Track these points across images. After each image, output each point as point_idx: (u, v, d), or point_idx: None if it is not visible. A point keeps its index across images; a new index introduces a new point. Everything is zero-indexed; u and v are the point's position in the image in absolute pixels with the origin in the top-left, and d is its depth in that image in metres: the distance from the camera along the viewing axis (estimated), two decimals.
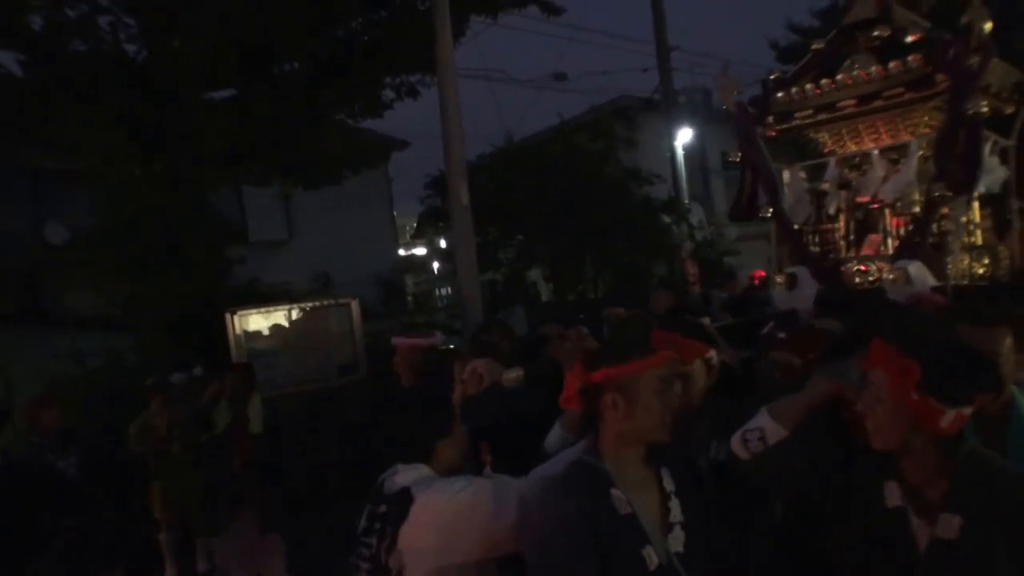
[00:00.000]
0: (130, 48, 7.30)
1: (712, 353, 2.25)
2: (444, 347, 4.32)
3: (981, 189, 4.32)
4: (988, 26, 3.79)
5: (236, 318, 7.03)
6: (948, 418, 1.53)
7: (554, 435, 2.40)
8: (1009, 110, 4.47)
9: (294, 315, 7.49)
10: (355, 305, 7.64)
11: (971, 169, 3.84)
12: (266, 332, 7.28)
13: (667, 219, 11.53)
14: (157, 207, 7.07)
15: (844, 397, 1.80)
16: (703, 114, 15.96)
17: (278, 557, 4.93)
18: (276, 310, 7.40)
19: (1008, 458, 1.84)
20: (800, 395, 1.86)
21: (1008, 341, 2.09)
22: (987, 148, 4.21)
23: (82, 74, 6.68)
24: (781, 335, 2.66)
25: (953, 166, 3.86)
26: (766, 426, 1.82)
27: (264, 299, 7.95)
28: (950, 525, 1.57)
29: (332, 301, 7.88)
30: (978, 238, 4.53)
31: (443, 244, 22.44)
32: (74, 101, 6.68)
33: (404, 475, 2.02)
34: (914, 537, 1.62)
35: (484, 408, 2.82)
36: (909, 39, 4.11)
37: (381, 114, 8.89)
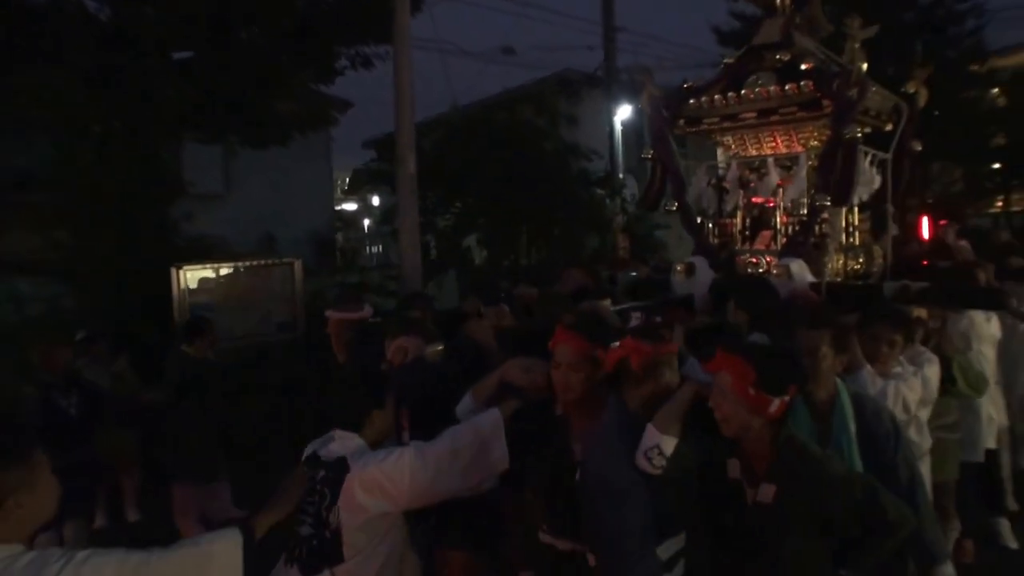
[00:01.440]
0: (91, 5, 7.22)
1: (602, 352, 2.41)
2: (373, 319, 4.50)
3: (863, 197, 4.74)
4: (864, 66, 4.30)
5: (181, 273, 7.14)
6: (775, 405, 1.99)
7: (464, 403, 2.63)
8: (888, 128, 4.98)
9: (238, 272, 7.62)
10: (298, 265, 7.84)
11: (848, 186, 4.28)
12: (209, 288, 7.38)
13: (602, 193, 11.90)
14: (109, 160, 7.06)
15: (704, 396, 2.16)
16: (677, 87, 16.32)
17: (225, 500, 5.24)
18: (221, 267, 7.52)
19: (833, 436, 2.39)
20: (673, 402, 2.21)
21: (828, 340, 2.49)
22: (867, 160, 4.66)
23: (47, 30, 6.58)
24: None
25: (833, 181, 4.31)
26: (659, 442, 2.14)
27: (206, 254, 8.04)
28: (767, 492, 2.02)
29: (276, 260, 8.02)
30: (856, 239, 5.01)
31: (375, 201, 22.22)
32: (37, 57, 6.58)
33: (340, 444, 2.32)
34: (746, 501, 2.07)
35: (408, 380, 3.00)
36: (804, 67, 4.50)
37: (333, 80, 9.02)
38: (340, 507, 2.15)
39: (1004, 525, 4.52)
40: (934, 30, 16.32)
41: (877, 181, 4.80)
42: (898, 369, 3.10)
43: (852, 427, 2.43)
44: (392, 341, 3.27)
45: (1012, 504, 4.68)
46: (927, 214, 7.06)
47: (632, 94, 14.71)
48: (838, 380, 2.52)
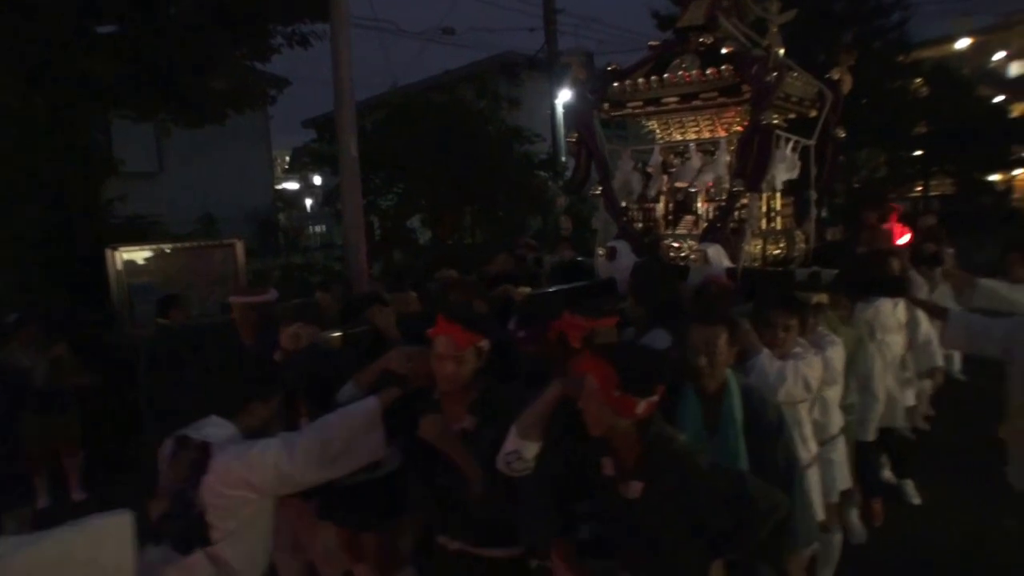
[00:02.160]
0: None
1: (484, 342, 2.37)
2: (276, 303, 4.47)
3: (778, 184, 4.77)
4: (782, 51, 4.27)
5: (116, 254, 6.94)
6: (641, 407, 1.94)
7: (346, 390, 2.58)
8: (812, 114, 4.94)
9: (177, 253, 7.46)
10: (240, 246, 7.71)
11: (760, 171, 4.25)
12: (148, 269, 7.20)
13: (544, 175, 12.06)
14: (32, 138, 6.80)
15: (573, 397, 2.09)
16: (601, 70, 16.50)
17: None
18: (160, 247, 7.36)
19: (721, 426, 2.41)
20: (537, 404, 2.17)
21: (724, 336, 2.45)
22: (789, 146, 4.65)
23: None
24: (521, 334, 2.87)
25: (749, 166, 4.28)
26: (519, 447, 2.14)
27: (142, 235, 7.86)
28: (635, 488, 2.00)
29: (217, 241, 7.90)
30: (778, 224, 4.94)
31: (317, 181, 21.89)
32: None
33: (213, 429, 2.27)
34: (622, 497, 2.04)
35: (299, 367, 2.99)
36: (724, 50, 4.41)
37: (269, 58, 8.75)
38: (203, 492, 2.14)
39: (909, 485, 4.83)
40: (862, 21, 16.99)
41: (797, 168, 4.81)
42: (797, 350, 3.09)
43: (739, 417, 2.43)
44: (286, 328, 3.23)
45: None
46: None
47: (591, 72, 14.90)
48: (728, 371, 2.50)
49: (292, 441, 2.23)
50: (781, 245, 4.86)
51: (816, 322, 3.48)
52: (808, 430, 3.22)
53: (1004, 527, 4.02)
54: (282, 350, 3.17)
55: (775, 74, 4.16)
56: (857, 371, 4.05)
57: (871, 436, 4.32)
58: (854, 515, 4.24)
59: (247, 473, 2.17)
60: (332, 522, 3.23)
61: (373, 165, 9.81)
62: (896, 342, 4.51)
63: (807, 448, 3.14)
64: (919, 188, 20.26)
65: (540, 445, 2.15)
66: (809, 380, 2.99)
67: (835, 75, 4.94)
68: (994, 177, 21.74)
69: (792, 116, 4.95)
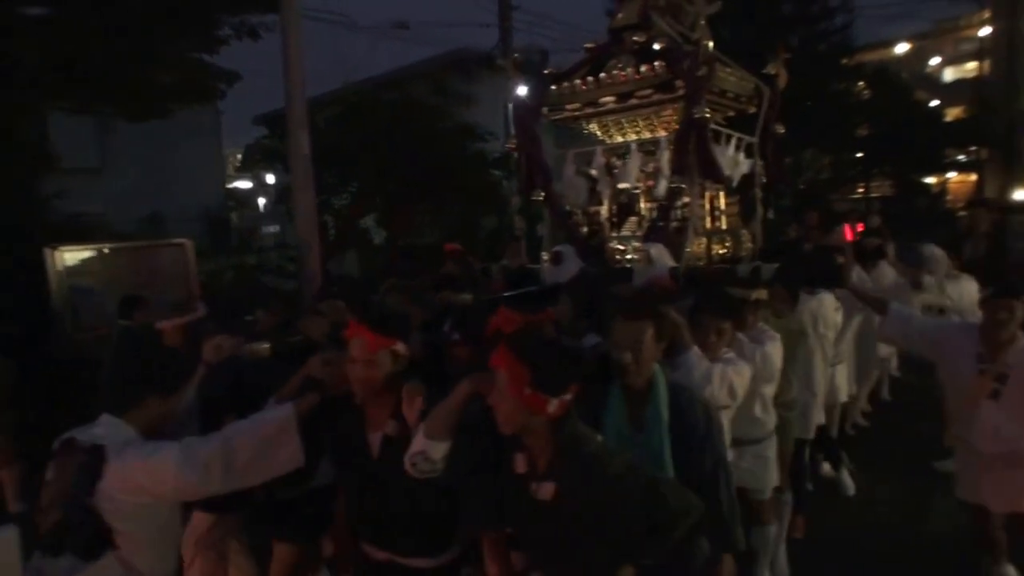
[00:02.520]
0: None
1: (399, 346, 2.32)
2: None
3: (733, 180, 4.77)
4: (711, 44, 4.22)
5: (56, 254, 6.72)
6: (553, 405, 1.90)
7: (270, 406, 2.50)
8: (752, 110, 4.96)
9: (122, 253, 7.27)
10: (189, 246, 7.56)
11: (711, 163, 4.25)
12: (91, 270, 7.00)
13: (499, 174, 12.04)
14: None
15: (483, 395, 2.08)
16: (540, 73, 16.60)
17: None
18: (103, 248, 7.15)
19: (646, 425, 2.35)
20: (445, 403, 2.13)
21: (650, 332, 2.37)
22: (732, 144, 4.64)
23: None
24: (456, 336, 2.87)
25: (694, 162, 4.29)
26: (426, 448, 2.11)
27: (84, 235, 7.60)
28: (547, 490, 1.96)
29: (166, 241, 7.71)
30: (724, 223, 4.93)
31: (270, 179, 21.50)
32: None
33: (104, 430, 2.18)
34: (533, 497, 1.99)
35: (221, 379, 2.93)
36: (657, 47, 4.42)
37: (216, 50, 8.52)
38: (99, 498, 2.06)
39: (845, 476, 4.92)
40: (808, 23, 17.49)
41: (745, 165, 4.81)
42: (729, 355, 3.05)
43: (665, 416, 2.36)
44: (209, 340, 3.16)
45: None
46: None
47: (529, 74, 14.97)
48: (656, 367, 2.44)
49: (194, 448, 2.15)
50: (727, 244, 4.85)
51: (756, 318, 3.50)
52: (727, 438, 3.08)
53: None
54: (204, 363, 3.08)
55: (706, 68, 4.17)
56: (796, 367, 4.04)
57: (811, 433, 4.34)
58: (789, 510, 4.21)
59: (145, 479, 2.09)
60: (257, 532, 3.16)
61: (326, 163, 9.72)
62: (832, 338, 4.55)
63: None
64: (861, 189, 20.93)
65: (448, 445, 2.12)
66: (735, 387, 2.93)
67: (771, 70, 4.94)
68: (930, 179, 22.60)
69: (731, 113, 4.99)
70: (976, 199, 13.03)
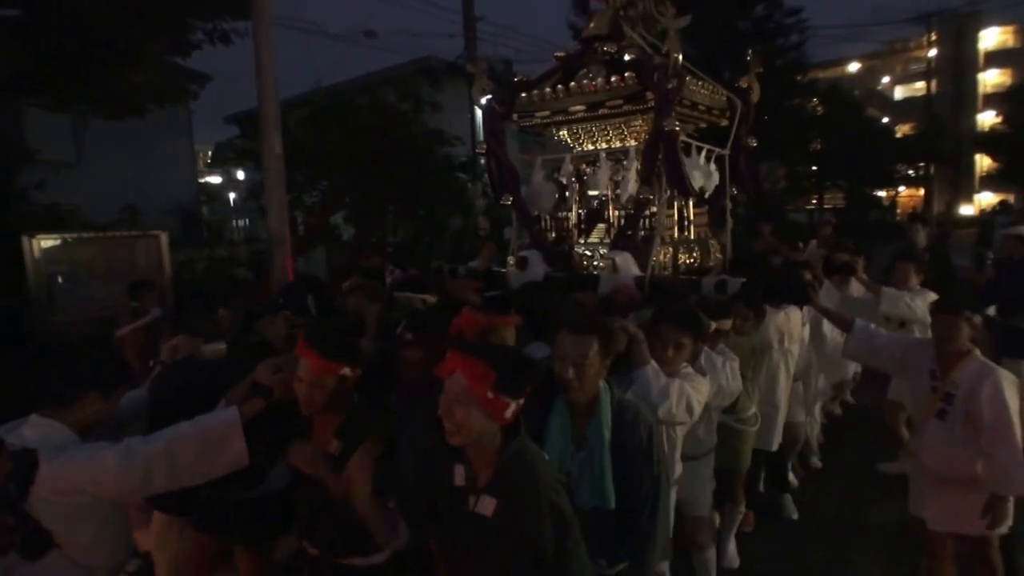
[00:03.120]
0: None
1: (345, 370, 2.25)
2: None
3: (704, 191, 4.69)
4: (680, 56, 4.13)
5: (33, 241, 6.96)
6: (511, 409, 1.86)
7: (220, 407, 2.42)
8: (723, 123, 4.91)
9: (99, 243, 7.52)
10: (164, 238, 7.84)
11: (680, 176, 4.17)
12: (68, 258, 7.23)
13: (464, 177, 12.52)
14: None
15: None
16: (503, 82, 17.02)
17: None
18: (81, 237, 7.41)
19: (589, 441, 2.30)
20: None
21: (595, 348, 2.28)
22: (702, 156, 4.61)
23: None
24: (408, 336, 2.79)
25: (663, 174, 4.24)
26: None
27: (60, 224, 7.85)
28: (487, 504, 1.88)
29: (140, 232, 8.00)
30: (691, 233, 4.87)
31: (240, 175, 21.74)
32: None
33: (33, 430, 2.14)
34: (470, 511, 1.91)
35: (172, 379, 2.86)
36: (627, 58, 4.39)
37: (189, 54, 8.85)
38: (33, 501, 2.03)
39: (788, 500, 4.77)
40: (765, 39, 18.29)
41: (716, 176, 4.77)
42: (687, 369, 2.94)
43: (607, 435, 2.30)
44: (166, 340, 3.14)
45: (793, 480, 5.04)
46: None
47: (493, 82, 15.40)
48: (602, 385, 2.36)
49: (135, 449, 2.10)
50: (695, 254, 4.81)
51: (717, 342, 3.39)
52: (679, 454, 3.08)
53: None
54: (161, 363, 3.07)
55: (676, 80, 4.14)
56: (759, 381, 4.01)
57: (774, 446, 4.30)
58: (731, 536, 4.12)
59: (84, 481, 2.05)
60: (207, 534, 3.01)
61: (297, 163, 10.01)
62: (796, 353, 4.41)
63: (672, 472, 3.00)
64: (814, 200, 21.81)
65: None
66: (693, 404, 2.81)
67: (744, 83, 4.94)
68: (880, 193, 23.63)
69: (703, 125, 5.00)
70: (913, 214, 13.58)
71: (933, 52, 27.01)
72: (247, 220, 21.46)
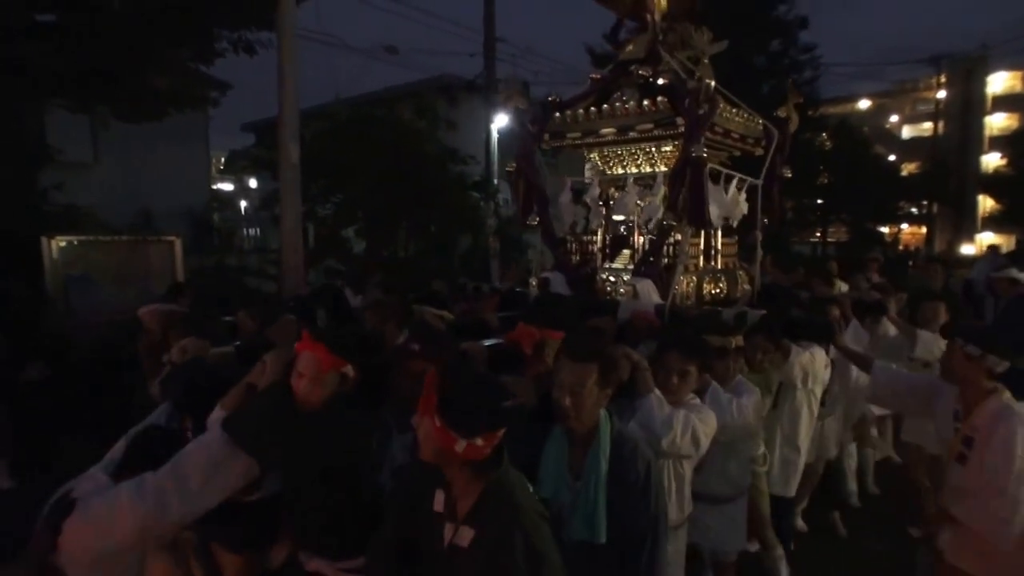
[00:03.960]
0: None
1: (348, 368, 2.30)
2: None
3: (730, 221, 4.66)
4: (712, 83, 4.12)
5: (53, 242, 7.05)
6: (461, 446, 1.74)
7: (215, 414, 2.37)
8: (758, 152, 4.86)
9: (115, 246, 7.62)
10: (178, 244, 7.94)
11: (700, 205, 4.11)
12: (84, 259, 7.30)
13: (477, 196, 12.59)
14: None
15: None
16: (543, 101, 17.16)
17: None
18: (98, 239, 7.51)
19: (587, 469, 2.24)
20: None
21: (594, 376, 2.22)
22: (733, 184, 4.55)
23: None
24: (415, 346, 2.78)
25: (684, 201, 4.17)
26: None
27: (77, 226, 7.94)
28: (464, 535, 1.81)
29: (155, 237, 8.07)
30: (718, 263, 4.79)
31: (253, 184, 21.84)
32: None
33: (90, 482, 2.10)
34: (447, 540, 1.85)
35: (178, 380, 2.87)
36: (661, 82, 4.42)
37: (213, 62, 8.95)
38: (61, 557, 1.95)
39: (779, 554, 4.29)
40: (779, 75, 18.53)
41: (744, 207, 4.68)
42: (694, 400, 2.87)
43: (604, 467, 2.22)
44: (176, 341, 3.20)
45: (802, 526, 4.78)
46: None
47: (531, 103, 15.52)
48: (604, 414, 2.30)
49: (146, 479, 2.06)
50: (721, 285, 4.69)
51: (734, 367, 3.30)
52: (688, 489, 2.96)
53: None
54: (171, 363, 3.11)
55: (707, 106, 4.09)
56: (782, 421, 3.93)
57: (792, 491, 4.12)
58: (784, 566, 4.00)
59: (96, 532, 1.98)
60: (225, 544, 3.10)
61: (312, 174, 10.10)
62: (820, 394, 4.22)
63: (681, 509, 2.91)
64: (818, 234, 21.95)
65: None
66: (699, 435, 2.72)
67: (782, 113, 4.87)
68: (883, 229, 23.79)
69: (737, 154, 4.93)
70: (932, 255, 13.51)
71: (942, 93, 27.30)
72: (258, 229, 21.55)
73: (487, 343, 3.46)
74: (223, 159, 21.68)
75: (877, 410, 5.18)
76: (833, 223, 21.70)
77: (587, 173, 5.17)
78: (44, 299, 6.92)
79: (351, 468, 2.25)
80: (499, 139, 14.35)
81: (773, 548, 3.92)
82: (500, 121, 14.38)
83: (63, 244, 7.16)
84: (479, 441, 1.75)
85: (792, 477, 4.07)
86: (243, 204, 25.46)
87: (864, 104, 28.86)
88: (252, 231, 22.83)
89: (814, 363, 3.98)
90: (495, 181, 13.59)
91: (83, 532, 1.95)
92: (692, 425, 2.69)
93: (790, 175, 5.04)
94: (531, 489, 1.94)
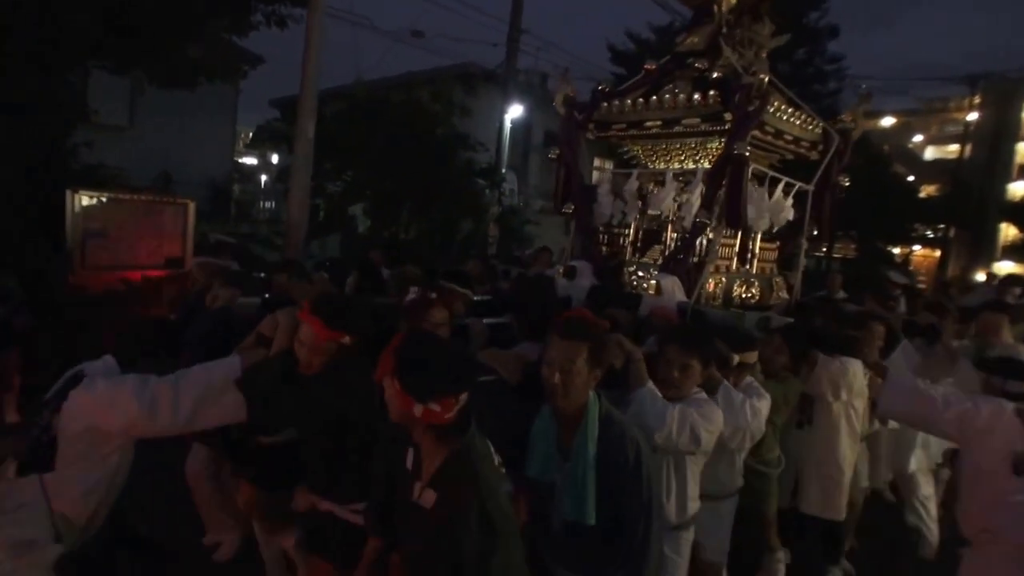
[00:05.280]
0: None
1: (346, 338, 2.39)
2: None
3: (770, 226, 4.49)
4: (766, 78, 3.97)
5: (76, 197, 7.44)
6: (419, 410, 1.78)
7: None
8: (814, 157, 4.68)
9: (133, 205, 8.00)
10: (192, 207, 8.34)
11: (736, 205, 3.96)
12: (103, 215, 7.68)
13: (483, 183, 12.89)
14: (9, 76, 7.21)
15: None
16: (537, 95, 17.49)
17: None
18: (118, 197, 7.90)
19: (575, 451, 2.20)
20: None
21: (583, 355, 2.19)
22: (779, 188, 4.38)
23: None
24: (433, 295, 2.89)
25: (721, 200, 4.05)
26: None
27: (103, 184, 8.37)
28: (428, 497, 1.86)
29: (171, 199, 8.50)
30: (754, 267, 4.63)
31: (275, 160, 22.43)
32: None
33: (101, 363, 2.27)
34: (414, 500, 1.90)
35: (200, 326, 3.18)
36: (715, 75, 4.26)
37: (247, 33, 9.29)
38: (60, 417, 2.13)
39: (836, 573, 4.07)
40: (801, 84, 18.59)
41: (791, 212, 4.51)
42: (700, 395, 2.74)
43: (591, 449, 2.18)
44: (210, 289, 3.50)
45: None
46: None
47: (527, 94, 15.85)
48: (592, 395, 2.26)
49: (149, 381, 2.20)
50: (754, 290, 4.49)
51: (738, 380, 3.11)
52: (693, 489, 2.81)
53: None
54: (206, 310, 3.37)
55: (758, 102, 3.93)
56: (815, 437, 3.70)
57: (841, 514, 3.79)
58: (783, 568, 3.76)
59: (98, 395, 2.13)
60: (242, 477, 3.33)
61: (327, 151, 10.47)
62: (861, 408, 3.88)
63: (683, 509, 2.79)
64: (824, 248, 21.91)
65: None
66: (699, 431, 2.59)
67: (846, 118, 4.71)
68: (895, 249, 23.65)
69: (790, 157, 4.75)
70: (1010, 277, 12.58)
71: (973, 115, 26.90)
72: (274, 202, 22.15)
73: (491, 321, 3.56)
74: (250, 134, 22.28)
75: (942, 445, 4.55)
76: (841, 239, 21.64)
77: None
78: (63, 250, 7.31)
79: (350, 423, 2.36)
80: (512, 129, 14.62)
81: (775, 551, 3.70)
82: (515, 112, 14.67)
83: (86, 200, 7.54)
84: (435, 406, 1.79)
85: (837, 497, 3.74)
86: (263, 178, 26.08)
87: (888, 121, 28.48)
88: (269, 204, 23.47)
89: (846, 375, 3.65)
90: (503, 170, 13.84)
91: (82, 403, 2.12)
92: (691, 421, 2.58)
93: (847, 183, 4.81)
94: (497, 461, 1.94)
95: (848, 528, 4.17)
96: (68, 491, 2.14)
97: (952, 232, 25.06)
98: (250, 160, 27.97)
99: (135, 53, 8.51)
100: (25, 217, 7.38)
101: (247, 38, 9.62)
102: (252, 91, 16.09)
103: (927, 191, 25.31)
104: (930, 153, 32.89)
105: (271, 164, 23.32)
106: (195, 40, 8.81)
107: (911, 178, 25.06)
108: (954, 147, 29.13)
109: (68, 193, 7.44)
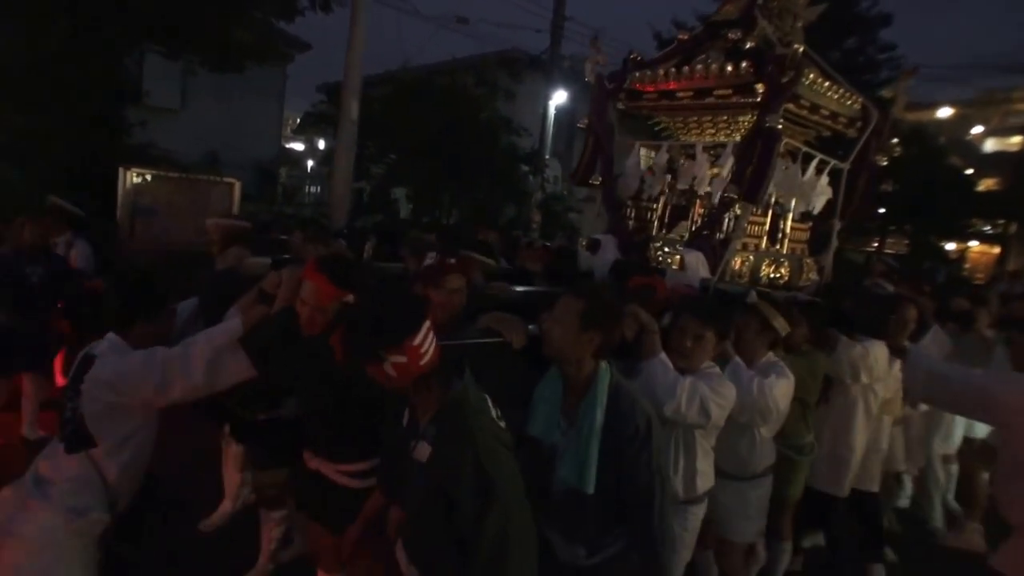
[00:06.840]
0: None
1: (350, 297, 2.35)
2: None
3: (803, 207, 4.40)
4: (800, 48, 3.84)
5: (128, 173, 7.73)
6: (388, 368, 1.78)
7: (230, 313, 2.54)
8: (851, 134, 4.50)
9: (181, 183, 8.26)
10: (237, 187, 8.53)
11: (760, 180, 3.85)
12: (152, 192, 7.95)
13: (526, 168, 12.87)
14: (73, 57, 7.52)
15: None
16: (581, 82, 17.31)
17: None
18: (167, 175, 8.15)
19: (580, 418, 2.17)
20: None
21: (579, 310, 2.18)
22: (812, 166, 4.26)
23: None
24: (452, 260, 2.88)
25: (747, 173, 3.91)
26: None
27: (154, 162, 8.64)
28: (423, 451, 1.88)
29: (218, 179, 8.72)
30: (784, 247, 4.51)
31: (321, 145, 22.80)
32: None
33: (106, 343, 2.34)
34: (410, 452, 1.93)
35: (211, 286, 3.12)
36: (748, 45, 4.14)
37: (293, 19, 9.50)
38: (81, 399, 2.21)
39: (879, 571, 3.99)
40: (852, 73, 18.01)
41: (828, 192, 4.43)
42: (713, 369, 2.69)
43: (599, 418, 2.15)
44: (227, 251, 3.55)
45: (890, 555, 4.27)
46: None
47: (571, 81, 15.76)
48: (604, 365, 2.22)
49: (157, 352, 2.27)
50: (782, 270, 4.34)
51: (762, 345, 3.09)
52: (704, 464, 2.77)
53: None
54: (220, 268, 3.39)
55: (792, 73, 3.79)
56: (831, 416, 3.73)
57: (844, 491, 3.79)
58: (787, 559, 3.72)
59: (112, 377, 2.21)
60: (259, 463, 3.37)
61: (371, 134, 10.62)
62: (883, 393, 3.84)
63: (692, 484, 2.75)
64: (875, 243, 21.23)
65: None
66: (708, 405, 2.55)
67: (888, 93, 4.73)
68: (950, 245, 22.79)
69: (826, 134, 4.64)
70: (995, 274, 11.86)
71: None
72: (319, 187, 22.52)
73: (520, 289, 3.53)
74: (298, 120, 22.67)
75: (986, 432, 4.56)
76: (892, 234, 20.95)
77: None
78: (114, 225, 7.58)
79: (349, 384, 2.31)
80: (556, 116, 14.56)
81: (784, 539, 3.65)
82: (559, 99, 14.59)
83: (136, 177, 7.82)
84: (398, 357, 1.77)
85: (842, 475, 3.77)
86: (310, 164, 26.53)
87: (945, 112, 27.38)
88: (314, 189, 23.87)
89: (867, 359, 3.58)
90: (547, 156, 13.80)
91: (98, 385, 2.21)
92: (701, 394, 2.54)
93: (886, 163, 4.67)
94: (495, 415, 1.92)
95: (881, 512, 4.19)
96: (109, 465, 2.26)
97: (1013, 228, 24.06)
98: (297, 146, 28.51)
99: (185, 37, 8.75)
100: (83, 191, 7.57)
101: (293, 24, 9.80)
102: (300, 78, 16.37)
103: (986, 185, 24.30)
104: (990, 145, 31.58)
105: (318, 150, 23.71)
106: (243, 25, 9.00)
107: (969, 171, 24.10)
108: (1017, 139, 27.97)
109: (120, 170, 7.70)
